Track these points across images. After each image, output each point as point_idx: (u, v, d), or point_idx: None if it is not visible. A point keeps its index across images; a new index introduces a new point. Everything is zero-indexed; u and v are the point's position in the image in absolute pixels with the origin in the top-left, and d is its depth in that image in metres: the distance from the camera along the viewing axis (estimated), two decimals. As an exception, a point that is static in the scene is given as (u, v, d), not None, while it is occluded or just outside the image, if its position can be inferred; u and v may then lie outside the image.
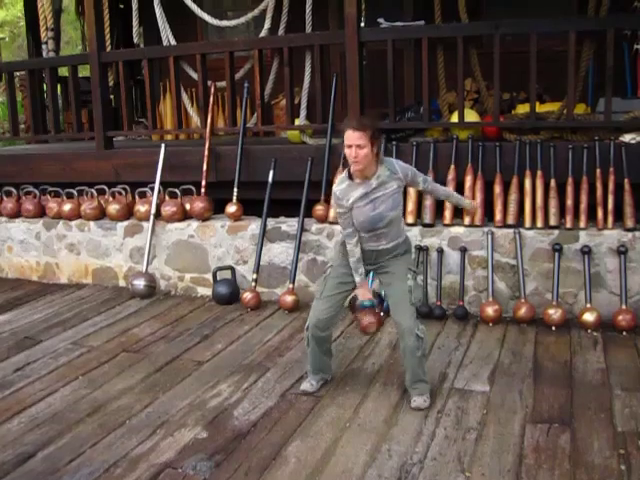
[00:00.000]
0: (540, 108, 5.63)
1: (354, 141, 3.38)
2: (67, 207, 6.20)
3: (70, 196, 6.24)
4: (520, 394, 3.69)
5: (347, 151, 3.43)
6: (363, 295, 3.71)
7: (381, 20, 5.77)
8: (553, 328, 4.63)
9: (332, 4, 7.97)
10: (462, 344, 4.43)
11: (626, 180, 4.84)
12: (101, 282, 6.08)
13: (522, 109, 5.84)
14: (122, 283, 5.98)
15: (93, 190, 6.15)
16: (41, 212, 6.41)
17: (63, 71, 7.59)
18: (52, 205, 6.30)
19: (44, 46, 7.60)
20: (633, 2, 6.37)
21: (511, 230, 4.89)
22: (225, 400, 3.73)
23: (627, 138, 5.10)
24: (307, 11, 6.09)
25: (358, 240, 3.60)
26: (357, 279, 3.66)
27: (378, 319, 3.75)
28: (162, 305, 5.48)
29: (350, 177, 3.55)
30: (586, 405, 3.55)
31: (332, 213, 5.28)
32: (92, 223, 6.09)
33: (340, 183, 3.58)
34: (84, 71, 7.49)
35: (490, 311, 4.75)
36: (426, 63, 5.42)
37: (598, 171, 4.89)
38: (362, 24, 5.57)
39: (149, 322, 5.08)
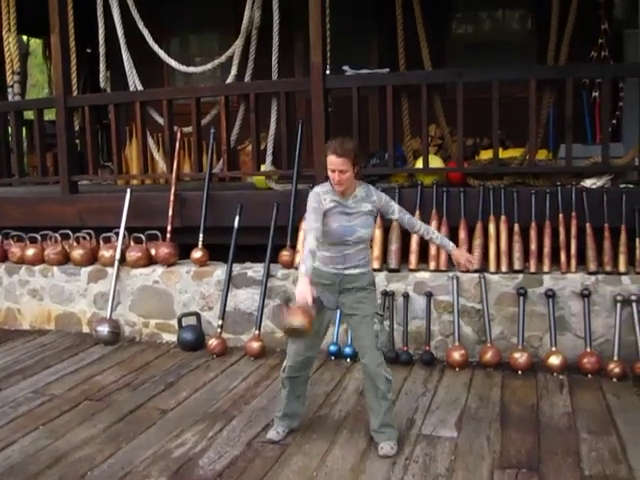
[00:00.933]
0: (503, 154, 5.74)
1: (337, 166, 3.45)
2: (30, 252, 6.11)
3: (33, 241, 6.16)
4: (488, 439, 3.68)
5: (330, 174, 3.50)
6: (301, 296, 3.30)
7: (346, 67, 5.86)
8: (519, 372, 4.64)
9: (298, 51, 8.09)
10: (429, 389, 4.42)
11: (588, 224, 4.93)
12: (64, 328, 5.97)
13: (485, 155, 5.94)
14: (86, 329, 5.88)
15: (57, 235, 6.09)
16: (3, 257, 6.32)
17: (29, 114, 7.56)
18: (15, 250, 6.22)
19: (10, 89, 7.56)
20: (590, 52, 6.57)
21: (476, 275, 4.93)
22: (190, 449, 3.66)
23: (588, 183, 5.22)
24: (273, 58, 6.15)
25: (319, 237, 3.47)
26: (302, 269, 3.37)
27: (309, 320, 3.32)
28: (126, 352, 5.39)
29: (332, 188, 3.59)
30: (553, 449, 3.55)
31: (298, 259, 5.26)
32: (55, 268, 6.01)
33: (322, 186, 3.64)
34: (50, 114, 7.45)
35: (456, 356, 4.75)
36: (391, 110, 5.51)
37: (561, 215, 4.98)
38: (327, 71, 5.63)
39: (113, 369, 4.99)
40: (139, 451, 3.65)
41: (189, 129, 6.29)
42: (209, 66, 6.65)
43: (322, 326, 3.69)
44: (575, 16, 5.48)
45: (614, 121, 6.43)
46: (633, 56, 6.68)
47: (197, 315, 5.44)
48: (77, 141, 7.33)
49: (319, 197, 3.56)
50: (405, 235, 5.16)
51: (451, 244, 3.87)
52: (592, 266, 4.85)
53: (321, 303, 3.50)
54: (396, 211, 3.72)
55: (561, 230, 4.94)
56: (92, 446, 3.73)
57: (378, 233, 5.16)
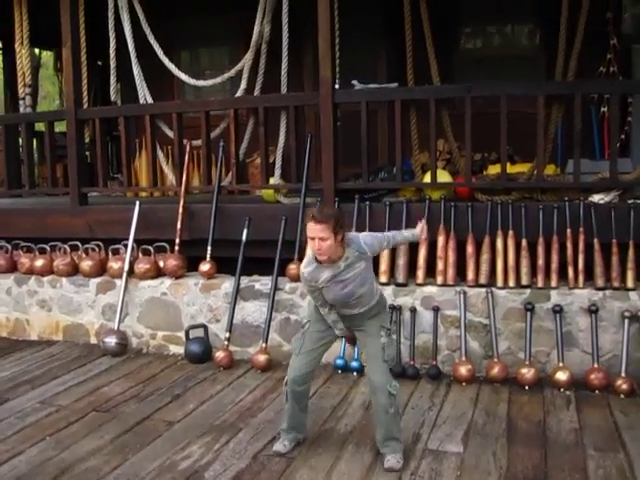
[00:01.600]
0: (511, 169, 5.75)
1: (316, 234, 3.33)
2: (39, 263, 6.15)
3: (43, 252, 6.20)
4: (494, 455, 3.67)
5: (310, 243, 3.39)
6: (349, 341, 3.86)
7: (355, 82, 5.89)
8: (526, 387, 4.63)
9: (307, 66, 8.14)
10: (435, 404, 4.41)
11: (595, 240, 4.92)
12: (72, 339, 5.99)
13: (493, 170, 5.95)
14: (93, 340, 5.90)
15: (66, 246, 6.12)
16: (12, 267, 6.35)
17: (39, 126, 7.63)
18: (24, 260, 6.25)
19: (21, 102, 7.63)
20: (598, 67, 6.59)
21: (483, 290, 4.93)
22: (196, 462, 3.66)
23: (596, 198, 5.22)
24: (282, 72, 6.20)
25: (330, 308, 3.60)
26: (338, 333, 3.69)
27: None
28: (133, 363, 5.41)
29: (317, 260, 3.48)
30: (560, 466, 3.54)
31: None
32: (64, 279, 6.04)
33: (308, 265, 3.52)
34: (61, 126, 7.51)
35: (463, 371, 4.75)
36: (399, 124, 5.53)
37: (568, 231, 4.97)
38: (336, 86, 5.66)
39: (120, 381, 5.00)
40: (145, 463, 3.66)
41: (198, 142, 6.33)
42: (219, 80, 6.70)
43: (322, 342, 3.72)
44: (583, 31, 5.50)
45: (622, 136, 6.43)
46: (642, 72, 6.71)
47: (204, 327, 5.45)
48: (87, 153, 7.38)
49: (309, 282, 3.52)
50: (412, 250, 5.17)
51: (412, 232, 4.04)
52: (600, 282, 4.84)
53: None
54: (384, 244, 3.71)
55: (569, 245, 4.94)
56: (98, 457, 3.74)
57: (385, 247, 5.16)
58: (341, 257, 3.45)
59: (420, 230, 4.04)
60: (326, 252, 3.38)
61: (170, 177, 6.92)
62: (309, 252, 3.55)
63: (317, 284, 3.50)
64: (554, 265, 4.94)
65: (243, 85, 6.50)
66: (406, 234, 4.07)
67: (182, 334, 5.48)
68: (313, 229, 3.34)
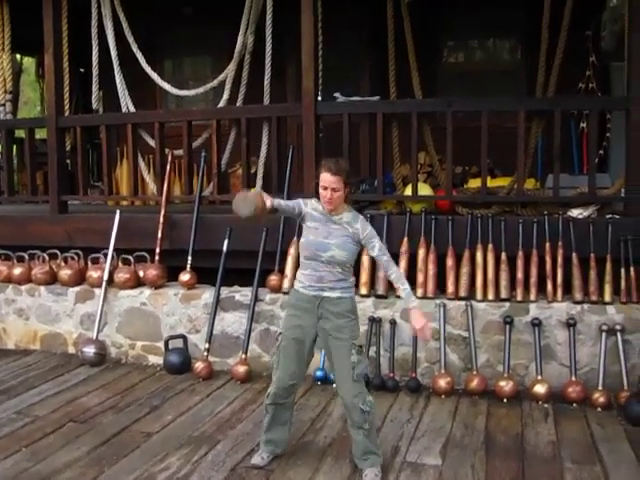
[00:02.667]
0: (491, 183, 5.79)
1: (330, 184, 3.48)
2: (17, 271, 6.10)
3: (21, 260, 6.14)
4: (472, 468, 3.68)
5: (322, 192, 3.52)
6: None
7: (337, 94, 5.92)
8: (505, 400, 4.65)
9: (290, 77, 8.17)
10: (414, 416, 4.42)
11: (574, 254, 4.97)
12: (50, 348, 5.93)
13: (474, 183, 5.99)
14: (71, 350, 5.85)
15: (45, 254, 6.07)
16: (-10, 276, 6.28)
17: (20, 132, 7.58)
18: (2, 268, 6.19)
19: (1, 108, 7.57)
20: (578, 84, 6.67)
21: (463, 302, 4.96)
22: (174, 474, 3.64)
23: (575, 213, 5.27)
24: (265, 83, 6.22)
25: (279, 203, 3.61)
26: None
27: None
28: (112, 374, 5.37)
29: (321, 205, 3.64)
30: (537, 478, 3.57)
31: (286, 283, 5.28)
32: (43, 288, 5.99)
33: (310, 199, 3.71)
34: (41, 132, 7.47)
35: (442, 383, 4.76)
36: (381, 137, 5.56)
37: (547, 245, 5.02)
38: (319, 98, 5.69)
39: (98, 391, 4.96)
40: (122, 475, 3.63)
41: (180, 152, 6.32)
42: (201, 90, 6.70)
43: (305, 354, 3.69)
44: (564, 48, 5.57)
45: (601, 152, 6.51)
46: (620, 88, 6.77)
47: (184, 338, 5.43)
48: (68, 161, 7.34)
49: (304, 202, 3.66)
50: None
51: (413, 302, 3.61)
52: (578, 295, 4.89)
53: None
54: (376, 248, 3.61)
55: (548, 259, 4.98)
56: (75, 469, 3.70)
57: (366, 260, 5.18)
58: (340, 213, 3.59)
59: (416, 318, 3.59)
60: (335, 202, 3.53)
61: (151, 186, 6.90)
62: (314, 200, 3.68)
63: (309, 209, 3.63)
64: (533, 279, 4.98)
65: (226, 95, 6.51)
66: (410, 293, 3.65)
67: (161, 344, 5.45)
68: (328, 180, 3.48)
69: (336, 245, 3.55)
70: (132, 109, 6.70)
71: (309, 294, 3.61)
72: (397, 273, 3.65)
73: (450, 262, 5.11)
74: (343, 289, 3.61)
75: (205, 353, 5.26)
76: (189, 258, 5.63)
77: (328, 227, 3.58)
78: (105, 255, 5.86)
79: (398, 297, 5.08)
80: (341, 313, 3.59)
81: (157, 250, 5.76)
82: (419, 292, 5.08)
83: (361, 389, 3.58)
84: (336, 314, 3.59)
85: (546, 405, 4.58)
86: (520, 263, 5.00)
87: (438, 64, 8.52)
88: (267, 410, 3.74)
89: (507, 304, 4.93)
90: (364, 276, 5.17)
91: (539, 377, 4.68)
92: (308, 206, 3.65)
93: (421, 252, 5.17)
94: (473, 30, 8.33)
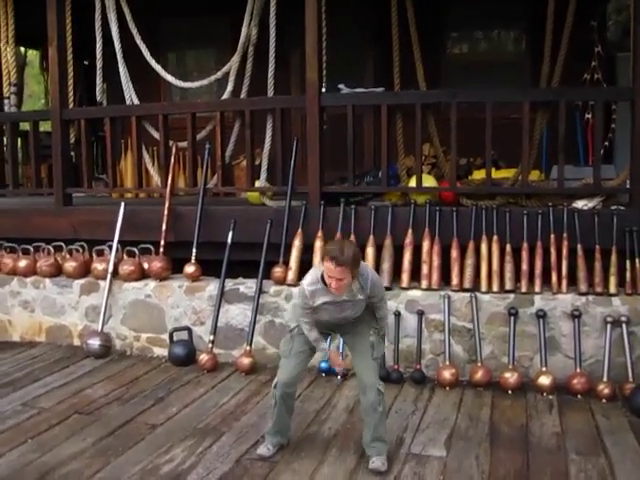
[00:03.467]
0: (496, 174, 5.78)
1: (335, 275, 3.34)
2: (22, 263, 6.11)
3: (26, 252, 6.16)
4: (477, 459, 3.68)
5: (327, 279, 3.39)
6: (334, 362, 3.95)
7: (342, 86, 5.90)
8: (509, 392, 4.65)
9: (294, 69, 8.14)
10: (419, 408, 4.42)
11: (579, 245, 4.96)
12: (55, 341, 5.95)
13: (478, 175, 5.98)
14: (76, 342, 5.86)
15: (50, 247, 6.08)
16: (-5, 268, 6.30)
17: (24, 125, 7.59)
18: (7, 261, 6.21)
19: (6, 101, 7.59)
20: (583, 74, 6.64)
21: (467, 294, 4.95)
22: (179, 465, 3.65)
23: (579, 204, 5.25)
24: (269, 75, 6.20)
25: (312, 327, 3.62)
26: (321, 350, 3.74)
27: None
28: (117, 365, 5.38)
29: (324, 282, 3.47)
30: (542, 470, 3.56)
31: (290, 275, 5.28)
32: (48, 280, 6.00)
33: (312, 283, 3.53)
34: (46, 125, 7.48)
35: (447, 375, 4.76)
36: (385, 128, 5.54)
37: (552, 236, 5.00)
38: (323, 89, 5.67)
39: (103, 383, 4.97)
40: (127, 466, 3.64)
41: (184, 144, 6.31)
42: (205, 82, 6.69)
43: (310, 344, 3.72)
44: (569, 39, 5.53)
45: (606, 143, 6.48)
46: (625, 79, 6.74)
47: (188, 330, 5.43)
48: (72, 153, 7.34)
49: (306, 299, 3.53)
50: (397, 254, 5.19)
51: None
52: (583, 287, 4.88)
53: None
54: (380, 311, 3.67)
55: (552, 251, 4.96)
56: (80, 461, 3.71)
57: (370, 251, 5.18)
58: (348, 290, 3.51)
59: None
60: (342, 289, 3.42)
61: (155, 178, 6.90)
62: (316, 271, 3.57)
63: (314, 304, 3.53)
64: (538, 270, 4.97)
65: (230, 87, 6.49)
66: (377, 326, 3.73)
67: (166, 336, 5.46)
68: (333, 271, 3.32)
69: (353, 313, 3.59)
70: (136, 101, 6.69)
71: (330, 320, 3.66)
72: (383, 313, 3.71)
73: (455, 254, 5.10)
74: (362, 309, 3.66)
75: (210, 345, 5.27)
76: (194, 250, 5.63)
77: (340, 305, 3.53)
78: (110, 247, 5.87)
79: (403, 289, 5.11)
80: (360, 304, 3.63)
81: (162, 242, 5.77)
82: (423, 284, 5.08)
83: (377, 370, 3.65)
84: (354, 305, 3.62)
85: (551, 397, 4.58)
86: (525, 255, 4.99)
87: (442, 55, 8.49)
88: (276, 400, 3.72)
89: (512, 296, 4.92)
90: (368, 268, 5.16)
91: (544, 369, 4.68)
92: (313, 299, 3.51)
93: (425, 244, 5.17)
94: (477, 21, 8.30)
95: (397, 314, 5.01)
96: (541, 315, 4.77)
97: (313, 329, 3.63)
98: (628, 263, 4.89)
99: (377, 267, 5.19)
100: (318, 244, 5.29)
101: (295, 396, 3.86)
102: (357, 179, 5.79)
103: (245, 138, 5.97)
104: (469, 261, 5.07)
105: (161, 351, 5.56)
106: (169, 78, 6.72)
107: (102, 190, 7.58)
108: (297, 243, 5.38)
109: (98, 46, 6.76)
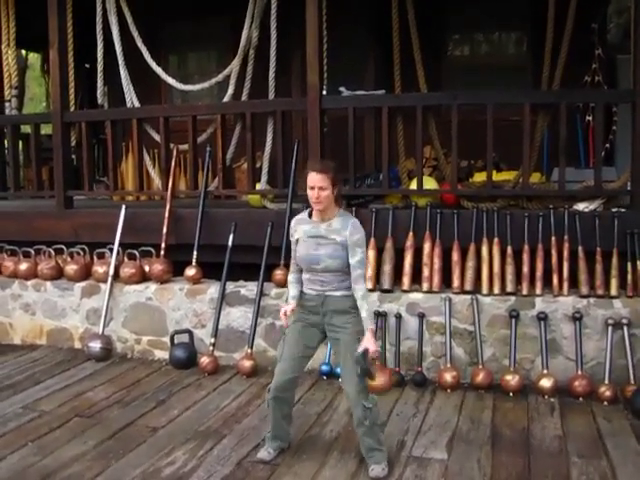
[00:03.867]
0: (497, 176, 5.77)
1: (317, 183, 3.50)
2: (23, 266, 6.11)
3: (27, 255, 6.16)
4: (478, 462, 3.68)
5: (309, 193, 3.54)
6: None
7: (342, 89, 5.90)
8: (511, 394, 4.65)
9: (295, 71, 8.14)
10: (420, 411, 4.42)
11: (580, 248, 4.95)
12: (56, 343, 5.95)
13: (479, 177, 5.97)
14: (77, 345, 5.87)
15: (51, 250, 6.08)
16: (-4, 271, 6.30)
17: (26, 128, 7.59)
18: (8, 264, 6.22)
19: (7, 104, 7.60)
20: (584, 77, 6.64)
21: (469, 296, 4.95)
22: (180, 468, 3.65)
23: (580, 207, 5.25)
24: (270, 78, 6.20)
25: (297, 276, 3.75)
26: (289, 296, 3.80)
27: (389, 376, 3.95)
28: (118, 368, 5.38)
29: (310, 216, 3.68)
30: (544, 473, 3.56)
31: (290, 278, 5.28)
32: (49, 283, 6.01)
33: (300, 215, 3.78)
34: (47, 128, 7.48)
35: (448, 377, 4.76)
36: (386, 131, 5.54)
37: (553, 238, 5.00)
38: (324, 92, 5.67)
39: (104, 386, 4.97)
40: (128, 469, 3.64)
41: (185, 146, 6.32)
42: (206, 84, 6.70)
43: (308, 348, 3.72)
44: (569, 41, 5.53)
45: (607, 145, 6.48)
46: (626, 81, 6.74)
47: (189, 333, 5.43)
48: (73, 156, 7.35)
49: (291, 230, 3.73)
50: (398, 256, 5.19)
51: (371, 325, 3.55)
52: (584, 289, 4.88)
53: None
54: (356, 259, 3.54)
55: (553, 253, 4.97)
56: (81, 463, 3.72)
57: (371, 254, 5.18)
58: (329, 220, 3.59)
59: (368, 340, 3.52)
60: (324, 201, 3.52)
61: (156, 181, 6.91)
62: (299, 215, 3.79)
63: (295, 235, 3.67)
64: (539, 273, 4.97)
65: (231, 90, 6.50)
66: (368, 317, 3.57)
67: (167, 339, 5.46)
68: (314, 179, 3.51)
69: (326, 255, 3.56)
70: (137, 104, 6.70)
71: (313, 293, 3.66)
72: (364, 291, 3.59)
73: (456, 256, 5.10)
74: (346, 289, 3.62)
75: (211, 348, 5.27)
76: (194, 253, 5.63)
77: (316, 239, 3.59)
78: (111, 250, 5.87)
79: (404, 291, 5.11)
80: (344, 310, 3.62)
81: (162, 245, 5.77)
82: (424, 286, 5.08)
83: (364, 385, 3.58)
84: (340, 311, 3.62)
85: (552, 399, 4.57)
86: (526, 257, 4.99)
87: (443, 57, 8.48)
88: (268, 404, 3.74)
89: (513, 298, 4.92)
90: (369, 270, 5.16)
91: (545, 371, 4.67)
92: (295, 228, 3.70)
93: (426, 246, 5.17)
94: (478, 23, 8.29)
95: (398, 317, 5.00)
96: (542, 317, 4.77)
97: (293, 284, 3.75)
98: (629, 265, 4.89)
99: (378, 269, 5.19)
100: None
101: (292, 402, 3.84)
102: (358, 182, 5.78)
103: (246, 141, 5.98)
104: (470, 263, 5.07)
105: (162, 354, 5.55)
106: (170, 81, 6.73)
107: (103, 193, 7.58)
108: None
109: (99, 49, 6.78)
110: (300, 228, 3.67)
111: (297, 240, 3.67)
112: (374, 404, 3.59)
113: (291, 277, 3.79)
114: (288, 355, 3.69)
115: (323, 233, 3.59)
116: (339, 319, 3.62)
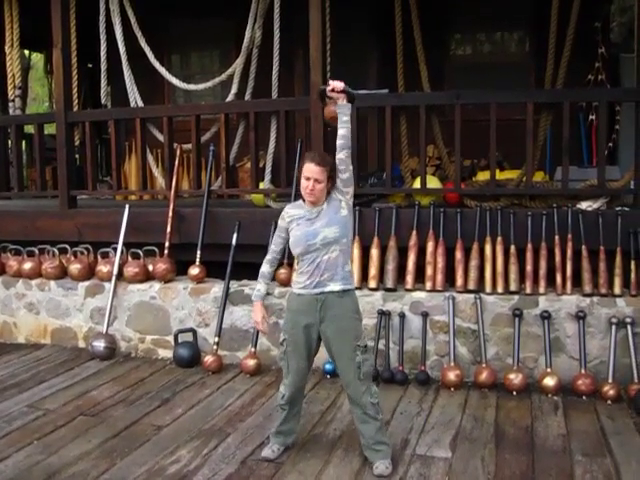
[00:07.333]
0: (500, 175, 5.78)
1: (313, 175, 3.47)
2: (27, 266, 6.12)
3: (31, 254, 6.17)
4: (482, 460, 3.68)
5: (304, 183, 3.50)
6: (255, 318, 3.87)
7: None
8: (514, 393, 4.65)
9: (298, 71, 8.15)
10: (424, 409, 4.42)
11: (583, 247, 4.95)
12: (60, 342, 5.97)
13: (482, 176, 5.98)
14: (82, 344, 5.88)
15: (55, 249, 6.10)
16: (0, 270, 6.31)
17: (29, 127, 7.61)
18: (12, 263, 6.23)
19: (11, 104, 7.61)
20: (587, 75, 6.64)
21: (472, 295, 4.95)
22: (184, 467, 3.66)
23: (584, 205, 5.25)
24: (273, 77, 6.21)
25: (270, 270, 3.82)
26: (253, 294, 3.85)
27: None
28: (122, 367, 5.39)
29: (303, 202, 3.65)
30: (547, 471, 3.56)
31: (294, 276, 5.28)
32: (53, 282, 6.02)
33: (292, 204, 3.80)
34: (50, 128, 7.50)
35: (452, 376, 4.76)
36: (389, 130, 5.54)
37: (556, 237, 5.01)
38: (327, 91, 5.67)
39: (108, 385, 4.98)
40: (133, 467, 3.65)
41: (188, 146, 6.32)
42: (210, 84, 6.71)
43: (311, 354, 3.71)
44: (572, 40, 5.54)
45: (610, 144, 6.48)
46: (629, 80, 6.75)
47: (193, 332, 5.45)
48: (77, 156, 7.36)
49: (285, 213, 3.69)
50: (402, 255, 5.19)
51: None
52: (587, 288, 4.88)
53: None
54: (344, 164, 3.54)
55: (557, 252, 4.97)
56: (86, 462, 3.73)
57: (375, 253, 5.19)
58: (321, 206, 3.57)
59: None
60: (317, 194, 3.51)
61: (160, 181, 6.92)
62: (289, 205, 3.78)
63: (286, 220, 3.65)
64: (542, 271, 4.97)
65: (234, 89, 6.51)
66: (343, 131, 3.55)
67: (171, 338, 5.47)
68: (312, 170, 3.47)
69: (323, 225, 3.52)
70: (140, 104, 6.71)
71: (309, 295, 3.57)
72: (343, 142, 3.54)
73: (459, 255, 5.10)
74: (345, 279, 3.57)
75: (215, 347, 5.28)
76: (198, 252, 5.64)
77: (310, 217, 3.57)
78: (114, 249, 5.88)
79: (407, 290, 5.11)
80: (344, 314, 3.57)
81: (166, 244, 5.78)
82: (428, 285, 5.09)
83: (367, 384, 3.60)
84: (339, 316, 3.56)
85: (556, 398, 4.58)
86: (529, 256, 4.99)
87: (446, 57, 8.48)
88: (282, 409, 3.74)
89: (516, 297, 4.93)
90: (373, 269, 5.17)
91: (548, 370, 4.68)
92: (286, 218, 3.67)
93: (430, 245, 5.17)
94: (481, 22, 8.30)
95: (402, 315, 5.01)
96: (546, 316, 4.77)
97: (264, 278, 3.82)
98: (633, 264, 4.89)
99: (381, 268, 5.19)
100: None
101: (302, 401, 3.87)
102: (361, 181, 5.79)
103: (249, 140, 5.99)
104: (473, 262, 5.07)
105: (166, 353, 5.56)
106: (173, 80, 6.74)
107: (106, 192, 7.61)
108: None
109: (102, 49, 6.79)
110: (295, 212, 3.64)
111: (290, 223, 3.62)
112: (378, 396, 3.62)
113: (264, 268, 3.81)
114: (294, 368, 3.68)
115: (315, 214, 3.56)
116: (337, 325, 3.56)
